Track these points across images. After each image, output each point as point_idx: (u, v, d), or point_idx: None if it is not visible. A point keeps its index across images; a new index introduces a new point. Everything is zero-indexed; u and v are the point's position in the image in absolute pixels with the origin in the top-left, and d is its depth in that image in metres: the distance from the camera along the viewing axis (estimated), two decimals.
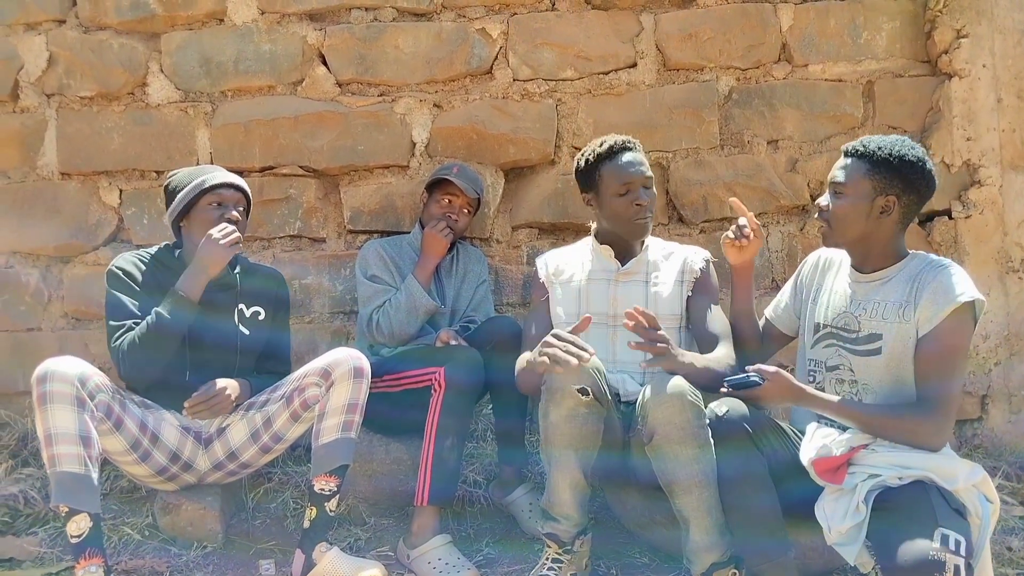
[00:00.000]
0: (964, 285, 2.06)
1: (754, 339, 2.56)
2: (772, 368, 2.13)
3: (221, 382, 2.49)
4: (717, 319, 2.53)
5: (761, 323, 2.59)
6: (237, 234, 2.47)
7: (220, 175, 2.60)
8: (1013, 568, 2.48)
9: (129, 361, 2.40)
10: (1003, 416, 3.18)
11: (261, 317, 2.67)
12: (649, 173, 2.55)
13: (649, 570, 2.55)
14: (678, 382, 2.19)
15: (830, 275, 2.35)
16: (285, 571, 2.51)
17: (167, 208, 2.62)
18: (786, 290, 2.51)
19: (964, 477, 1.99)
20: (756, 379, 2.12)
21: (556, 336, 2.21)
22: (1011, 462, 3.05)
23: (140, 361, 2.40)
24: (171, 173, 2.66)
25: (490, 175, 3.31)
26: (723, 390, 2.17)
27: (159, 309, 2.40)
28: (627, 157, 2.54)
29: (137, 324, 2.42)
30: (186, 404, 2.45)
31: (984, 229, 3.19)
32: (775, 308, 2.54)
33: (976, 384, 3.19)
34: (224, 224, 2.47)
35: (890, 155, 2.12)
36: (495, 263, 3.31)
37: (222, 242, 2.43)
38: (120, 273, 2.51)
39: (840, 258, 2.35)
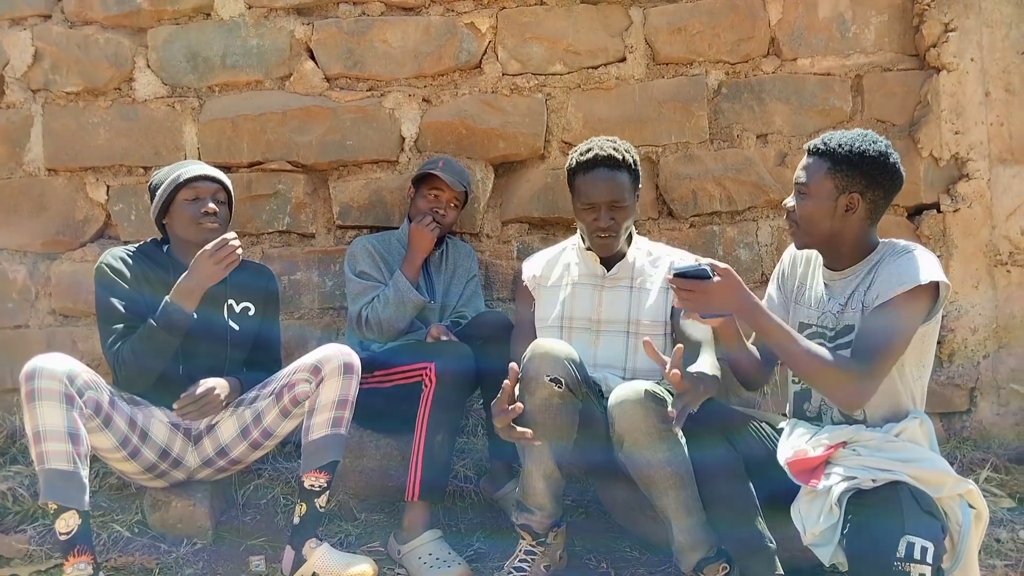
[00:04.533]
0: (925, 270, 2.01)
1: (757, 371, 2.38)
2: (724, 265, 2.01)
3: (210, 382, 2.48)
4: (699, 325, 2.47)
5: (752, 338, 2.41)
6: (235, 256, 2.40)
7: (194, 168, 2.59)
8: (1001, 559, 2.50)
9: (125, 371, 2.41)
10: (992, 408, 3.19)
11: (251, 312, 2.67)
12: (619, 196, 2.44)
13: (639, 563, 2.55)
14: (638, 386, 2.18)
15: (808, 272, 2.34)
16: (275, 567, 2.50)
17: (151, 204, 2.63)
18: (771, 291, 2.46)
19: (949, 488, 1.98)
20: (707, 271, 1.96)
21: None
22: (999, 454, 3.07)
23: (136, 371, 2.41)
24: (155, 171, 2.67)
25: (480, 170, 3.31)
26: (669, 277, 2.01)
27: (153, 320, 2.39)
28: (600, 175, 2.44)
29: (130, 327, 2.42)
30: (175, 405, 2.44)
31: (972, 222, 3.20)
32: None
33: (965, 376, 3.20)
34: (221, 243, 2.39)
35: (850, 152, 2.07)
36: (485, 258, 3.31)
37: (215, 265, 2.38)
38: (108, 271, 2.49)
39: (814, 254, 2.33)
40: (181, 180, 2.55)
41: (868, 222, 2.15)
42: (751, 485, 2.12)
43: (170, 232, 2.61)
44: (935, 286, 2.03)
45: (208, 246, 2.41)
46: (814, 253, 2.33)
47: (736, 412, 2.24)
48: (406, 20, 3.29)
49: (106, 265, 2.50)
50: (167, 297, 2.41)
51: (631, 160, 2.50)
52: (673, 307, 2.53)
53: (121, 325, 2.44)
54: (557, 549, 2.39)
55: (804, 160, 2.18)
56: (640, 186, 2.58)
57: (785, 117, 3.30)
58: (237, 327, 2.63)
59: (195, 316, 2.43)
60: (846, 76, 3.31)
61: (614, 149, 2.47)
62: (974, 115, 3.21)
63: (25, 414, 2.20)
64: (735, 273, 2.02)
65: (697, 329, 2.41)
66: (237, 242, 2.42)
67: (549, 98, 3.31)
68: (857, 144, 2.08)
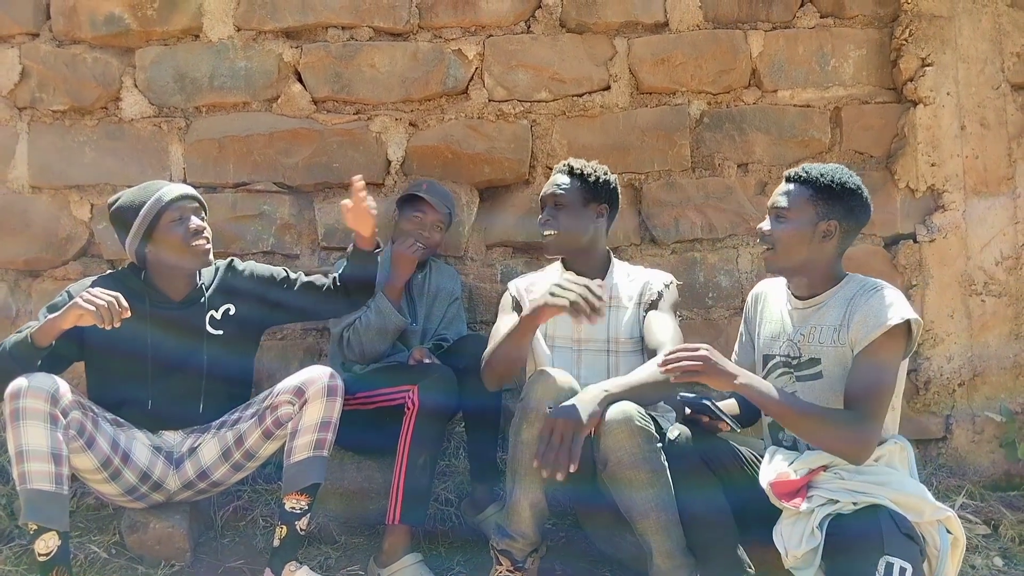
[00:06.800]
0: (896, 308, 2.08)
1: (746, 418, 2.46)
2: (703, 352, 2.04)
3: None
4: (665, 326, 2.50)
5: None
6: (100, 306, 2.20)
7: (172, 188, 2.50)
8: None
9: None
10: (967, 436, 3.24)
11: (232, 312, 2.63)
12: (555, 191, 2.60)
13: None
14: (625, 407, 2.19)
15: (767, 307, 2.40)
16: None
17: (120, 235, 2.51)
18: (741, 330, 2.51)
19: (929, 513, 2.01)
20: (708, 404, 2.12)
21: (571, 280, 2.24)
22: (975, 481, 3.11)
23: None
24: (113, 198, 2.55)
25: (465, 194, 3.33)
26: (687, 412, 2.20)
27: (32, 332, 2.28)
28: (554, 179, 2.65)
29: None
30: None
31: (948, 253, 3.26)
32: (739, 352, 2.50)
33: (940, 404, 3.24)
34: (96, 299, 2.22)
35: (832, 182, 2.18)
36: (469, 281, 3.33)
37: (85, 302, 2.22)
38: (67, 295, 2.42)
39: (773, 288, 2.40)
40: (164, 201, 2.46)
41: (839, 250, 2.24)
42: (731, 518, 2.15)
43: (152, 257, 2.50)
44: (907, 323, 2.08)
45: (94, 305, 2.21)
46: (770, 288, 2.41)
47: (719, 440, 2.26)
48: (394, 45, 3.32)
49: (66, 292, 2.45)
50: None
51: (589, 172, 2.61)
52: (643, 316, 2.58)
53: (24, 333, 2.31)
54: (532, 575, 2.39)
55: (783, 186, 2.26)
56: (602, 205, 2.63)
57: (765, 147, 3.35)
58: (221, 332, 2.59)
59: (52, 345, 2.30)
60: (825, 108, 3.38)
61: (577, 162, 2.64)
62: (950, 148, 3.28)
63: (8, 433, 2.18)
64: (714, 356, 2.05)
65: (664, 331, 2.48)
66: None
67: (534, 124, 3.35)
68: (838, 176, 2.19)
